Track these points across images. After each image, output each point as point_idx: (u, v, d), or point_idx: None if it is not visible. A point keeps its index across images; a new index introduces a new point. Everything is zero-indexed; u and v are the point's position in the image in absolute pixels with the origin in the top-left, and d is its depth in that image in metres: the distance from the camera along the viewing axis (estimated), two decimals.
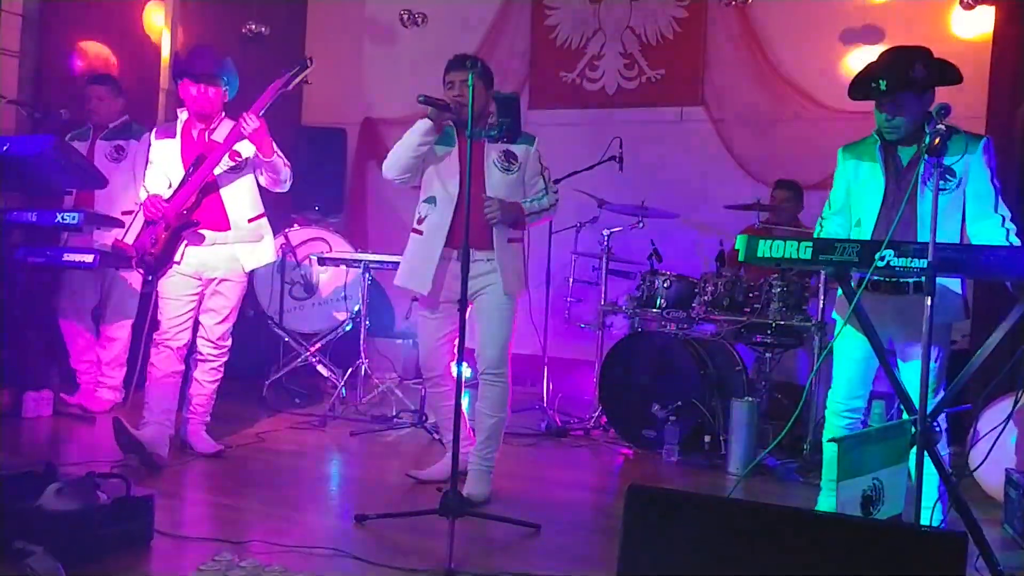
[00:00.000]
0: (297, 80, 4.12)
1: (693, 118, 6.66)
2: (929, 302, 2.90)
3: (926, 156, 2.93)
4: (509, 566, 3.02)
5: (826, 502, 3.59)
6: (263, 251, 4.37)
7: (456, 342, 3.86)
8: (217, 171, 4.13)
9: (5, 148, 4.26)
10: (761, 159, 6.39)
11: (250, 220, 4.27)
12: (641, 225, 5.58)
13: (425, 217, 3.88)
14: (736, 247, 3.22)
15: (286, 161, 4.26)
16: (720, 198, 5.92)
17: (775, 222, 5.32)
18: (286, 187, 4.32)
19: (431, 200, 3.86)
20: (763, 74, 6.45)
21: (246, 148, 4.18)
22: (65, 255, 4.64)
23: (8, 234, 4.73)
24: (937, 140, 2.83)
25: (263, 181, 4.28)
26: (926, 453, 2.96)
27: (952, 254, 2.91)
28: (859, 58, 6.15)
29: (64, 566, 2.53)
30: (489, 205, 3.70)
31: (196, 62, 4.17)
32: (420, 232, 3.89)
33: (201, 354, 4.31)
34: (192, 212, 4.13)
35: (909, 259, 2.95)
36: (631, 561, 2.14)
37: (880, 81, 3.27)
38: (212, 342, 4.29)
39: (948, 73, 3.32)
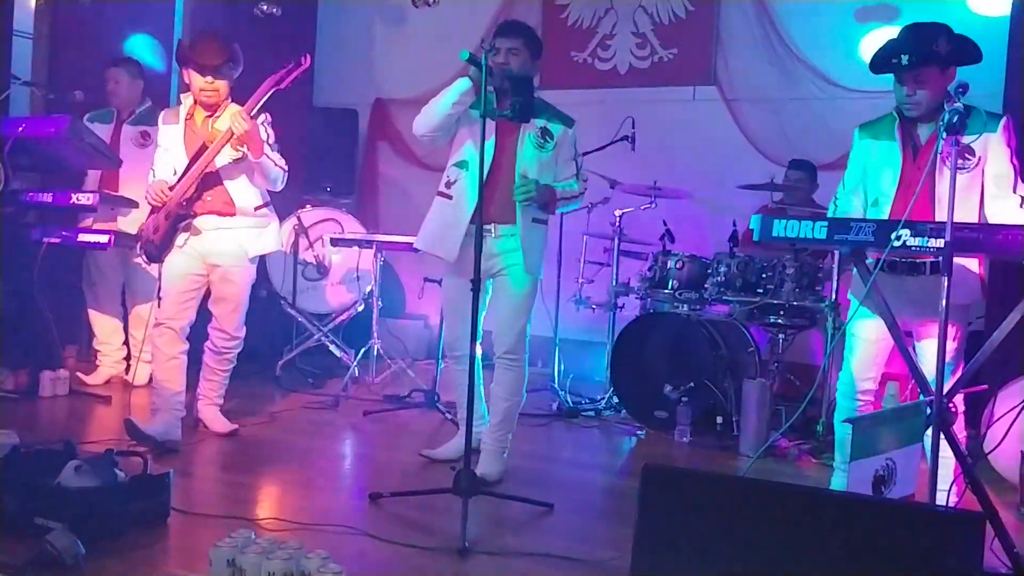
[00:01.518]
0: (291, 78, 4.02)
1: (706, 97, 6.61)
2: (946, 282, 2.90)
3: (944, 134, 2.92)
4: (522, 545, 3.04)
5: (839, 483, 3.60)
6: (268, 238, 4.31)
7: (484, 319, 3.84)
8: (219, 162, 4.07)
9: (20, 129, 4.31)
10: (774, 139, 6.34)
11: (256, 208, 4.23)
12: (653, 205, 5.56)
13: (455, 181, 3.77)
14: (751, 227, 3.22)
15: (279, 162, 4.15)
16: (733, 178, 5.89)
17: (789, 202, 5.30)
18: (278, 187, 4.23)
19: (463, 165, 3.75)
20: (776, 53, 6.39)
21: None
22: (80, 235, 4.68)
23: (24, 214, 4.77)
24: (955, 118, 2.82)
25: (255, 179, 4.20)
26: (942, 434, 2.96)
27: (969, 233, 2.90)
28: (874, 37, 6.10)
29: (83, 542, 2.55)
30: (525, 184, 3.59)
31: (203, 53, 4.05)
32: (449, 196, 3.77)
33: (215, 346, 4.28)
34: (192, 203, 4.08)
35: (925, 238, 2.94)
36: (647, 539, 2.15)
37: (902, 55, 3.24)
38: (227, 333, 4.25)
39: (969, 50, 3.30)
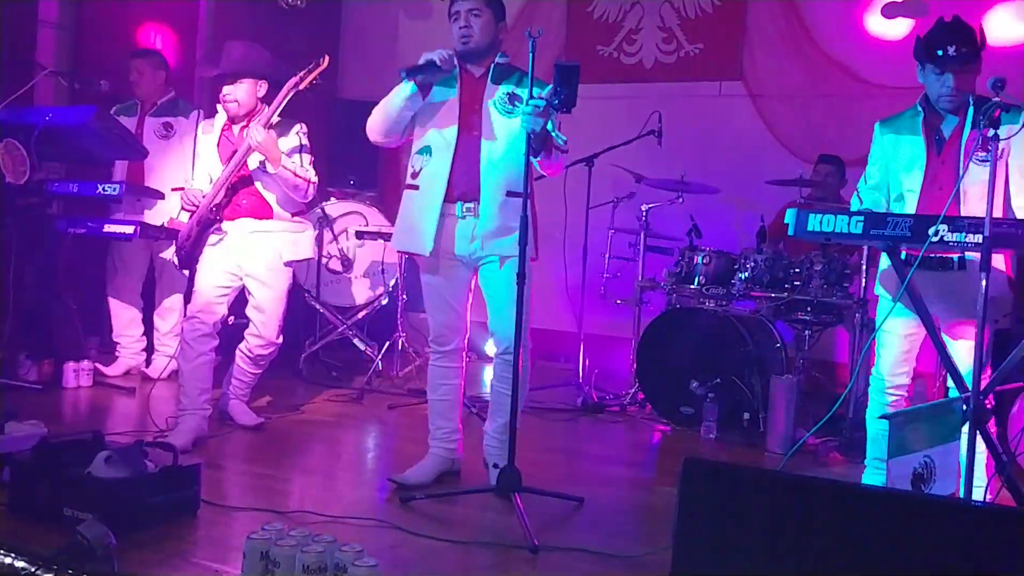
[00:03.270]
0: (309, 79, 4.00)
1: (732, 93, 6.56)
2: (984, 278, 2.86)
3: (981, 129, 2.88)
4: (555, 540, 2.99)
5: (872, 479, 3.55)
6: (303, 244, 4.30)
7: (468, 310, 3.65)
8: (252, 165, 4.05)
9: (47, 119, 4.31)
10: (800, 134, 6.29)
11: (293, 215, 4.22)
12: (680, 200, 5.52)
13: (420, 170, 3.51)
14: (785, 221, 3.19)
15: (303, 173, 4.06)
16: (759, 173, 5.85)
17: (819, 197, 5.25)
18: (302, 197, 4.16)
19: (426, 151, 3.51)
20: (803, 49, 6.34)
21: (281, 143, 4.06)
22: (106, 226, 4.68)
23: (48, 204, 4.78)
24: (995, 112, 2.79)
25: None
26: (978, 431, 2.93)
27: (1007, 228, 2.87)
28: (902, 32, 6.05)
29: (113, 533, 2.54)
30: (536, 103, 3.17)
31: (221, 61, 4.06)
32: (415, 187, 3.52)
33: (251, 352, 4.26)
34: (221, 209, 4.08)
35: (963, 234, 2.91)
36: (687, 534, 2.13)
37: (950, 47, 3.20)
38: (265, 339, 4.22)
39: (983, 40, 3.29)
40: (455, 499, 3.34)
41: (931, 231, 2.93)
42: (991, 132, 2.81)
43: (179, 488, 3.01)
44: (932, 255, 3.30)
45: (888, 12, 6.16)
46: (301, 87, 4.01)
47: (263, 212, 4.14)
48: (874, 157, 3.56)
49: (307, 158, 4.15)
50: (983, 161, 3.14)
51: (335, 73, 7.46)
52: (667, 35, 6.76)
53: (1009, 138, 3.01)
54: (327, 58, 4.04)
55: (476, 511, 3.23)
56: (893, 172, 3.47)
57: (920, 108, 3.41)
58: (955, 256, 3.31)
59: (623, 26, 6.89)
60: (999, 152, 3.17)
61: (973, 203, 3.13)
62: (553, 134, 3.40)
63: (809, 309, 5.03)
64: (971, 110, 3.22)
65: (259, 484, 3.55)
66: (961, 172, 3.21)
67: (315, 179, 4.14)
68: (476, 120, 3.46)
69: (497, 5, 3.53)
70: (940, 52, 3.23)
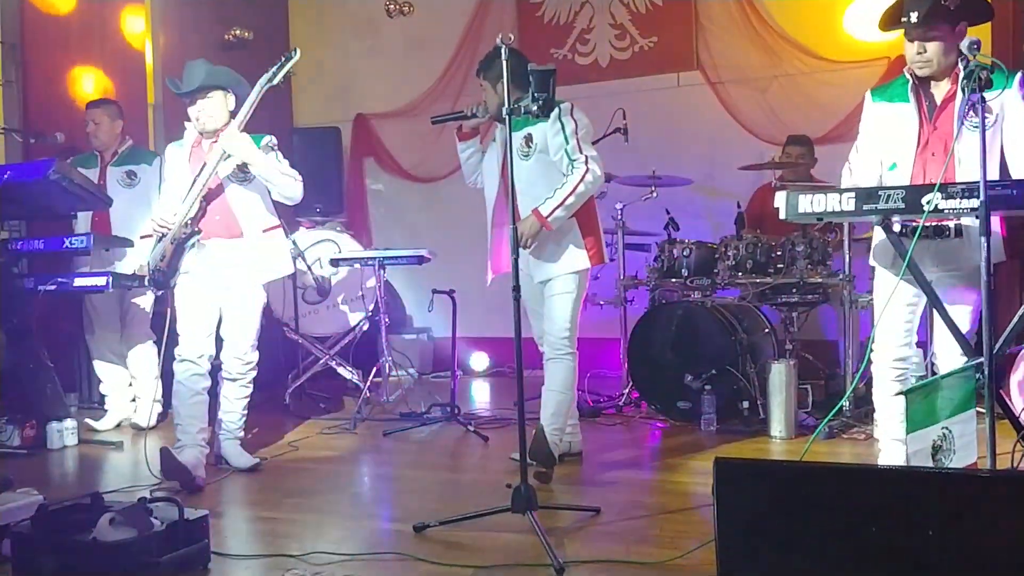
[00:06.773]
0: (283, 72, 3.93)
1: (690, 83, 6.56)
2: (985, 243, 2.83)
3: (966, 92, 2.86)
4: (580, 554, 2.92)
5: (889, 459, 3.52)
6: (279, 263, 4.24)
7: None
8: (223, 174, 3.99)
9: (5, 176, 4.17)
10: (762, 118, 6.30)
11: (264, 231, 4.15)
12: (654, 194, 5.50)
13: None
14: (775, 205, 3.15)
15: (289, 171, 4.06)
16: (728, 159, 5.84)
17: (790, 179, 5.24)
18: (298, 194, 4.11)
19: (487, 197, 4.09)
20: (756, 31, 6.35)
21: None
22: (76, 280, 4.54)
23: (16, 263, 4.63)
24: (983, 74, 2.76)
25: (274, 194, 4.14)
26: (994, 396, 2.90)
27: (1003, 190, 2.85)
28: (853, 7, 6.09)
29: None
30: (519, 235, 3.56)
31: (185, 79, 4.02)
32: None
33: (229, 373, 4.17)
34: (196, 222, 4.00)
35: (958, 200, 2.88)
36: (729, 535, 2.07)
37: (911, 13, 3.18)
38: (238, 358, 4.14)
39: (979, 7, 3.25)
40: (468, 522, 3.24)
41: (925, 200, 2.91)
42: (978, 96, 2.78)
43: (188, 542, 2.89)
44: (927, 223, 3.27)
45: None
46: (275, 82, 3.96)
47: (232, 232, 4.06)
48: (865, 125, 3.51)
49: (282, 158, 4.11)
50: (976, 127, 3.12)
51: (289, 101, 7.38)
52: (619, 32, 6.75)
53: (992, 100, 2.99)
54: (298, 50, 4.00)
55: (492, 533, 3.14)
56: (886, 140, 3.42)
57: (908, 76, 3.38)
58: (951, 224, 3.28)
59: (575, 27, 6.87)
60: (993, 117, 3.16)
61: (968, 169, 3.10)
62: (543, 205, 3.76)
63: (794, 291, 5.01)
64: (973, 73, 3.13)
65: (265, 528, 3.44)
66: (956, 136, 3.17)
67: (300, 177, 4.10)
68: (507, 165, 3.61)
69: (496, 72, 3.77)
70: (903, 19, 3.22)
